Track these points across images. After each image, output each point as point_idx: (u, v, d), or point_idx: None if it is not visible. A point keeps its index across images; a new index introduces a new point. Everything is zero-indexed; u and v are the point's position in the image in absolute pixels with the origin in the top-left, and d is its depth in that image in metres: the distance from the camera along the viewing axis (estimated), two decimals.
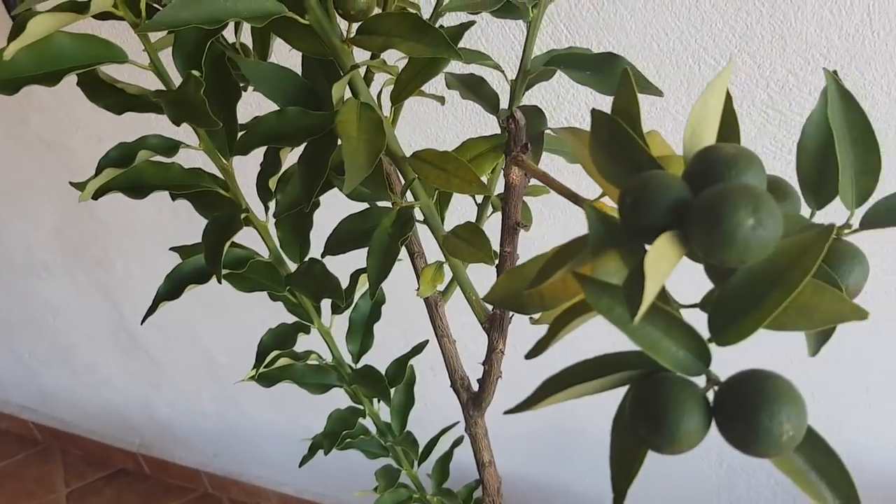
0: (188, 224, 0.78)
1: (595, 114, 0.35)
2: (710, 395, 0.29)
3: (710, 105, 0.33)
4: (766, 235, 0.27)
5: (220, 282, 0.56)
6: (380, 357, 0.80)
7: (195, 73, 0.49)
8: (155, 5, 0.65)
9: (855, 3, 0.80)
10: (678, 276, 0.31)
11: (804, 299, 0.30)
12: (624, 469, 0.30)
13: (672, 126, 0.95)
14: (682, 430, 0.27)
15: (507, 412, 0.32)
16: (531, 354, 0.35)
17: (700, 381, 0.30)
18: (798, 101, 0.89)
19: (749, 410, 0.27)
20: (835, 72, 0.35)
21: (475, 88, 0.71)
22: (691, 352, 0.29)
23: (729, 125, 0.35)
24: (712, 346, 0.30)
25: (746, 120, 0.92)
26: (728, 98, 0.36)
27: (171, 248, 0.72)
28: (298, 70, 0.61)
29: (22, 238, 1.71)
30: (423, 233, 0.68)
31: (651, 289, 0.27)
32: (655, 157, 0.42)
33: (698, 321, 0.31)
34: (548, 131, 0.56)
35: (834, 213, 0.36)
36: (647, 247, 0.29)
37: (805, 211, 0.37)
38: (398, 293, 0.80)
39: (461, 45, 0.62)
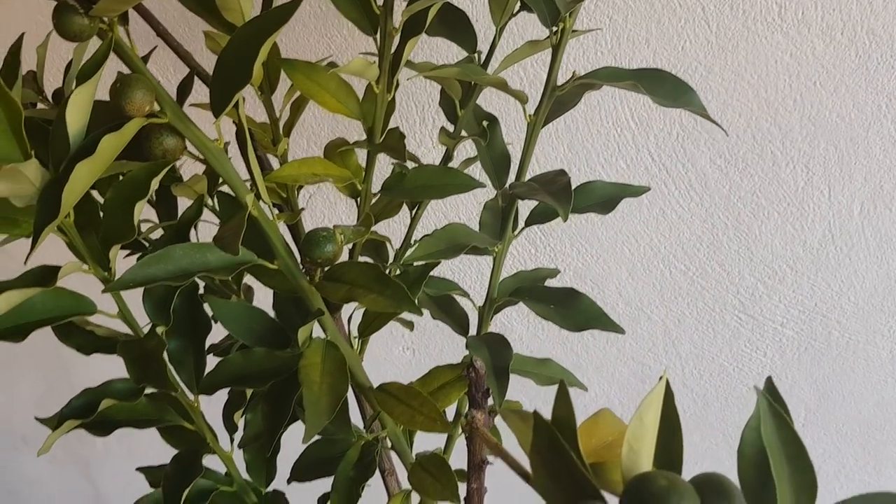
0: None
1: (537, 420, 0.35)
2: None
3: (645, 423, 0.33)
4: None
5: None
6: None
7: (159, 329, 0.50)
8: None
9: (816, 220, 0.83)
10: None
11: None
12: None
13: (647, 325, 0.96)
14: None
15: None
16: None
17: None
18: (769, 307, 0.90)
19: None
20: (769, 379, 0.35)
21: (446, 308, 0.72)
22: None
23: (671, 428, 0.36)
24: None
25: (720, 323, 0.93)
26: (669, 399, 0.36)
27: (138, 469, 0.71)
28: None
29: (1, 410, 1.69)
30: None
31: None
32: (607, 438, 0.43)
33: None
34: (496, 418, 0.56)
35: None
36: None
37: None
38: None
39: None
